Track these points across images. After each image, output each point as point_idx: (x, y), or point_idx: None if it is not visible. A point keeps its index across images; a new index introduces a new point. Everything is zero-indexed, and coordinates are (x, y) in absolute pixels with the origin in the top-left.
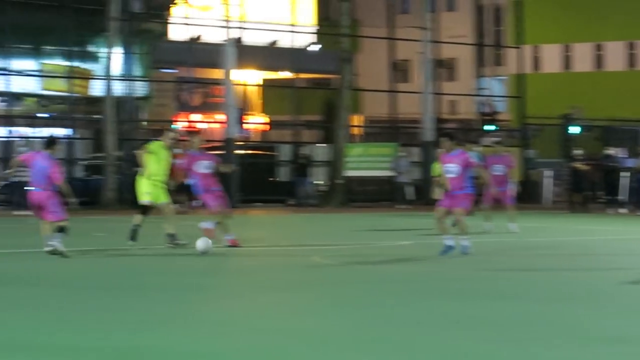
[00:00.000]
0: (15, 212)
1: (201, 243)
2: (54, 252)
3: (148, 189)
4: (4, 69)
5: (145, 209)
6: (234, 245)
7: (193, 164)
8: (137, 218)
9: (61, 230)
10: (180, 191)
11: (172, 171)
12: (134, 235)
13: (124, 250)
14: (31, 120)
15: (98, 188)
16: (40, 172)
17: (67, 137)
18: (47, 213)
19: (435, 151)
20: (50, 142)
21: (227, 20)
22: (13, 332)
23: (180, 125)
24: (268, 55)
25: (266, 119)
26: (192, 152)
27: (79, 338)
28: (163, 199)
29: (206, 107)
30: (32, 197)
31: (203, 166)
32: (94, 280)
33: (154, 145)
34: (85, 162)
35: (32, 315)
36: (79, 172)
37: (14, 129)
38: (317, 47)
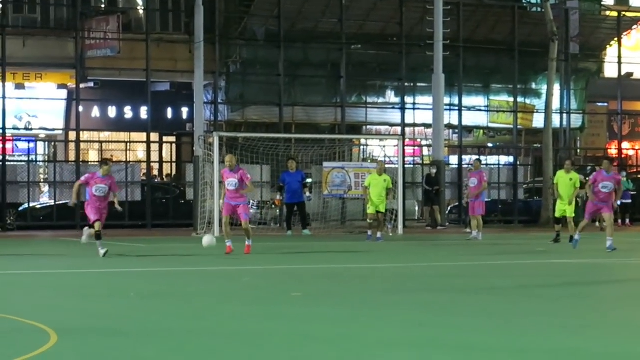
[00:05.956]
0: None
1: (206, 239)
2: None
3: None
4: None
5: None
6: None
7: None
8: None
9: None
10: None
11: None
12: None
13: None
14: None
15: (537, 209)
16: None
17: (510, 164)
18: None
19: None
20: None
21: None
22: (469, 335)
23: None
24: None
25: None
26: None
27: (516, 340)
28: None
29: (634, 136)
30: None
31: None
32: (533, 289)
33: (559, 174)
34: (526, 186)
35: (477, 320)
36: (521, 195)
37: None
38: None
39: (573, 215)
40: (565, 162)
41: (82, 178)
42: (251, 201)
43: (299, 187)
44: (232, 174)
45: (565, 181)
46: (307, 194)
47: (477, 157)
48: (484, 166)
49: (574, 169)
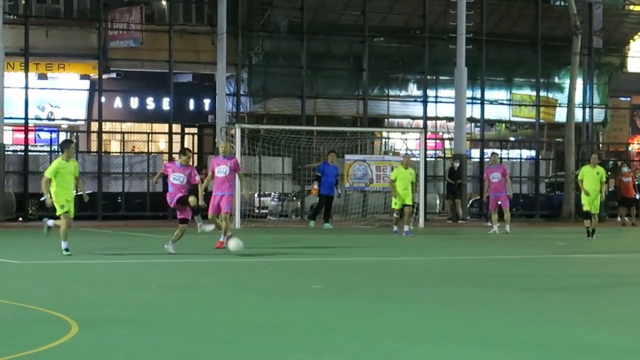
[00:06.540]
0: None
1: (232, 244)
2: None
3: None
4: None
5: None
6: None
7: None
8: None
9: None
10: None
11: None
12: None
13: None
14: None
15: (559, 203)
16: None
17: (532, 158)
18: None
19: None
20: None
21: None
22: (489, 329)
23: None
24: None
25: None
26: None
27: (536, 335)
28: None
29: None
30: None
31: None
32: (554, 283)
33: (584, 169)
34: (548, 180)
35: (497, 314)
36: (543, 189)
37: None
38: None
39: (598, 211)
40: (591, 156)
41: (163, 168)
42: (272, 193)
43: (334, 181)
44: (225, 160)
45: (592, 175)
46: (338, 190)
47: (492, 151)
48: (505, 160)
49: (599, 162)
